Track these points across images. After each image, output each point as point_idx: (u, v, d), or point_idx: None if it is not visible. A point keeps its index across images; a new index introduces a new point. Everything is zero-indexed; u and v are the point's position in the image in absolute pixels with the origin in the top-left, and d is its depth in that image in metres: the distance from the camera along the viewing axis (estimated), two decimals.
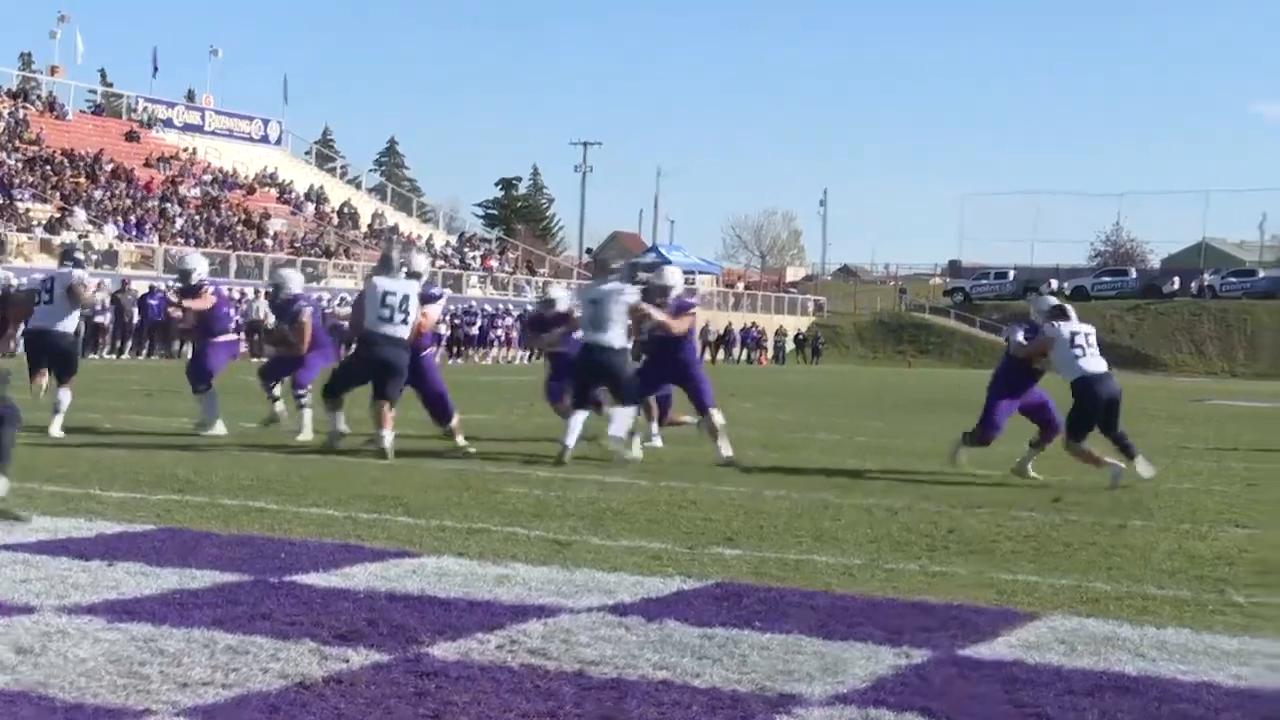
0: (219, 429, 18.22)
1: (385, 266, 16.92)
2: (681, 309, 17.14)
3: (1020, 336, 16.46)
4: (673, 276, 17.86)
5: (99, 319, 47.33)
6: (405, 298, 16.25)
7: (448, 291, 18.44)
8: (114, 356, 47.47)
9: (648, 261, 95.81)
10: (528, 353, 61.01)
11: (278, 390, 19.13)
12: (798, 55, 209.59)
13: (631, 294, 16.69)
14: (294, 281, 19.36)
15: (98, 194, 64.03)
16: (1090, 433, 15.54)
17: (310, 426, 18.05)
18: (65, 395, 17.23)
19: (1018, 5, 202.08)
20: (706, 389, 16.96)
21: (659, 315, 16.68)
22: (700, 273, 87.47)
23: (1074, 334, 15.59)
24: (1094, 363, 15.46)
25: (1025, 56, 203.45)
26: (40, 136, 67.91)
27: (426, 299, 17.10)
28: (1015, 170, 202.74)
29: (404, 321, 16.19)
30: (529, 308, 48.30)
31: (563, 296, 19.13)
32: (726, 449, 16.44)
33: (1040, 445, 16.07)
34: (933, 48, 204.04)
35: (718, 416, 16.75)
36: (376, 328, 16.16)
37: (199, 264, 19.54)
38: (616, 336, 16.40)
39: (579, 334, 17.22)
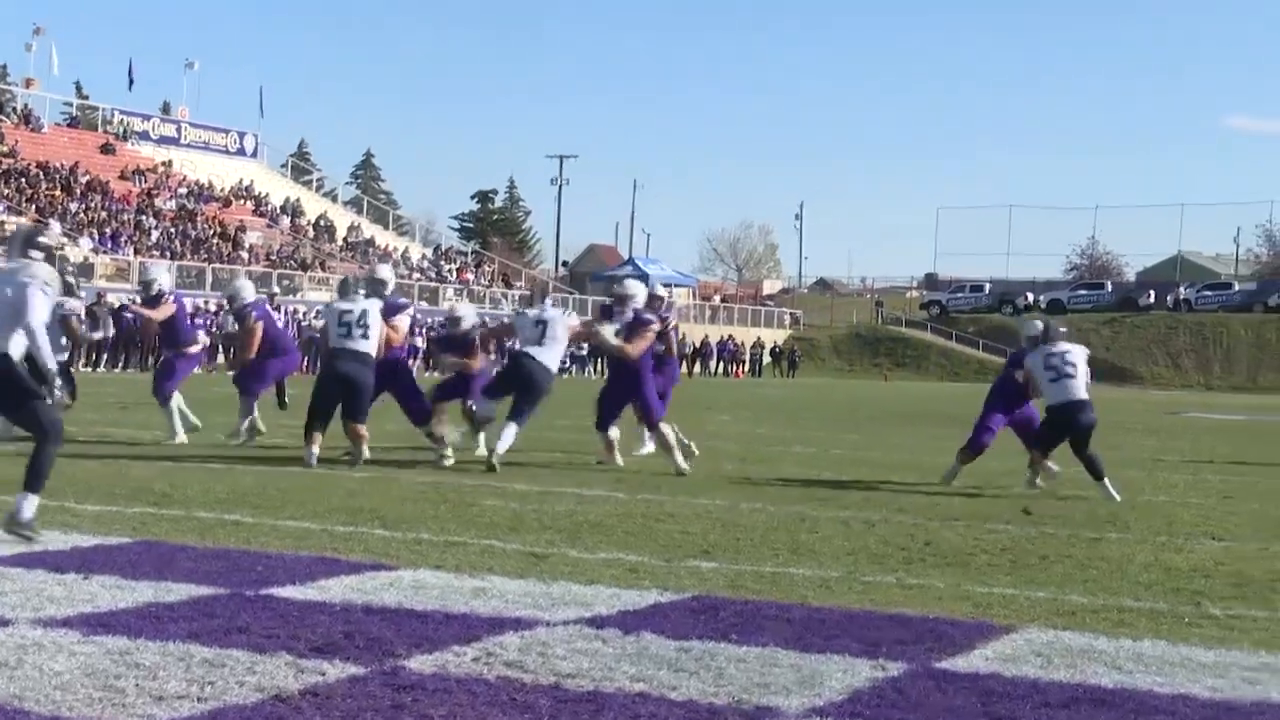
0: (180, 438, 18.57)
1: (342, 289, 17.34)
2: (637, 325, 17.19)
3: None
4: (634, 287, 18.18)
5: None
6: (363, 313, 16.45)
7: (413, 304, 18.55)
8: (89, 369, 47.33)
9: (622, 274, 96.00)
10: (431, 372, 60.82)
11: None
12: (774, 69, 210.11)
13: (575, 318, 17.80)
14: (246, 290, 19.45)
15: (73, 206, 63.87)
16: (1055, 446, 15.66)
17: (242, 429, 18.31)
18: None
19: (993, 20, 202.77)
20: (655, 407, 17.17)
21: (612, 342, 16.96)
22: (677, 285, 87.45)
23: (1050, 356, 15.62)
24: (1072, 389, 15.51)
25: (1000, 70, 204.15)
26: (15, 149, 67.76)
27: (392, 310, 17.21)
28: (991, 184, 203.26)
29: (364, 336, 16.35)
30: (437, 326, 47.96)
31: (468, 314, 19.08)
32: (680, 463, 16.58)
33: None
34: (909, 61, 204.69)
35: (668, 431, 16.95)
36: (336, 344, 16.46)
37: (159, 274, 19.73)
38: (552, 357, 17.03)
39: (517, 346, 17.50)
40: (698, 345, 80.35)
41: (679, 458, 16.78)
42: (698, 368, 78.55)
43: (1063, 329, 16.42)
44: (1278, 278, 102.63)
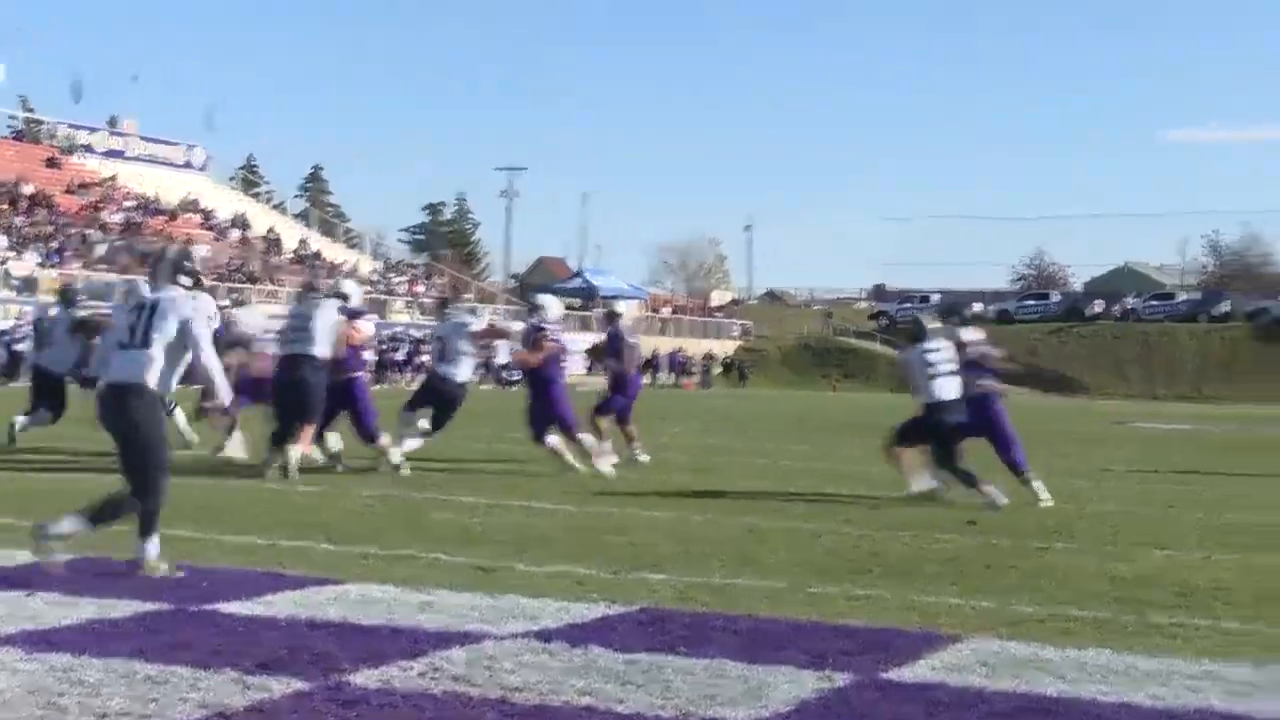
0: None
1: (299, 295, 17.88)
2: (535, 335, 18.06)
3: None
4: (546, 300, 19.20)
5: (17, 345, 46.86)
6: (307, 318, 16.67)
7: (374, 316, 18.89)
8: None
9: (571, 287, 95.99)
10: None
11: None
12: (723, 81, 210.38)
13: (477, 324, 18.64)
14: (245, 317, 19.43)
15: (18, 220, 63.47)
16: (917, 444, 15.91)
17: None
18: None
19: (941, 33, 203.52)
20: (569, 413, 17.98)
21: (513, 343, 18.23)
22: (626, 298, 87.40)
23: (927, 354, 15.76)
24: (944, 388, 15.62)
25: (949, 82, 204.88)
26: None
27: (354, 315, 17.34)
28: (939, 195, 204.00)
29: (307, 338, 16.56)
30: None
31: (355, 293, 18.94)
32: (605, 467, 17.57)
33: (1017, 469, 16.24)
34: (858, 74, 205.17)
35: (588, 439, 17.82)
36: (280, 350, 16.90)
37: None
38: (461, 370, 17.87)
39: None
40: (648, 357, 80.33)
41: (569, 460, 17.66)
42: (648, 379, 78.51)
43: (937, 325, 16.47)
44: (1223, 288, 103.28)
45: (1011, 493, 15.53)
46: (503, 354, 45.54)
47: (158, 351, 9.29)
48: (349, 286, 18.63)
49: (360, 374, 17.79)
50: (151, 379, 9.25)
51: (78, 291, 21.18)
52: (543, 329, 18.15)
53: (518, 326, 18.11)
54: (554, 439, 17.91)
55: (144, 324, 9.31)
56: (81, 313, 20.21)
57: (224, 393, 9.80)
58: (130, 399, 9.25)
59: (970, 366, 15.97)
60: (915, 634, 8.12)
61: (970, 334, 16.64)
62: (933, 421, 15.59)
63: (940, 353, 15.80)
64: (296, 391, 16.45)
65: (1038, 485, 15.86)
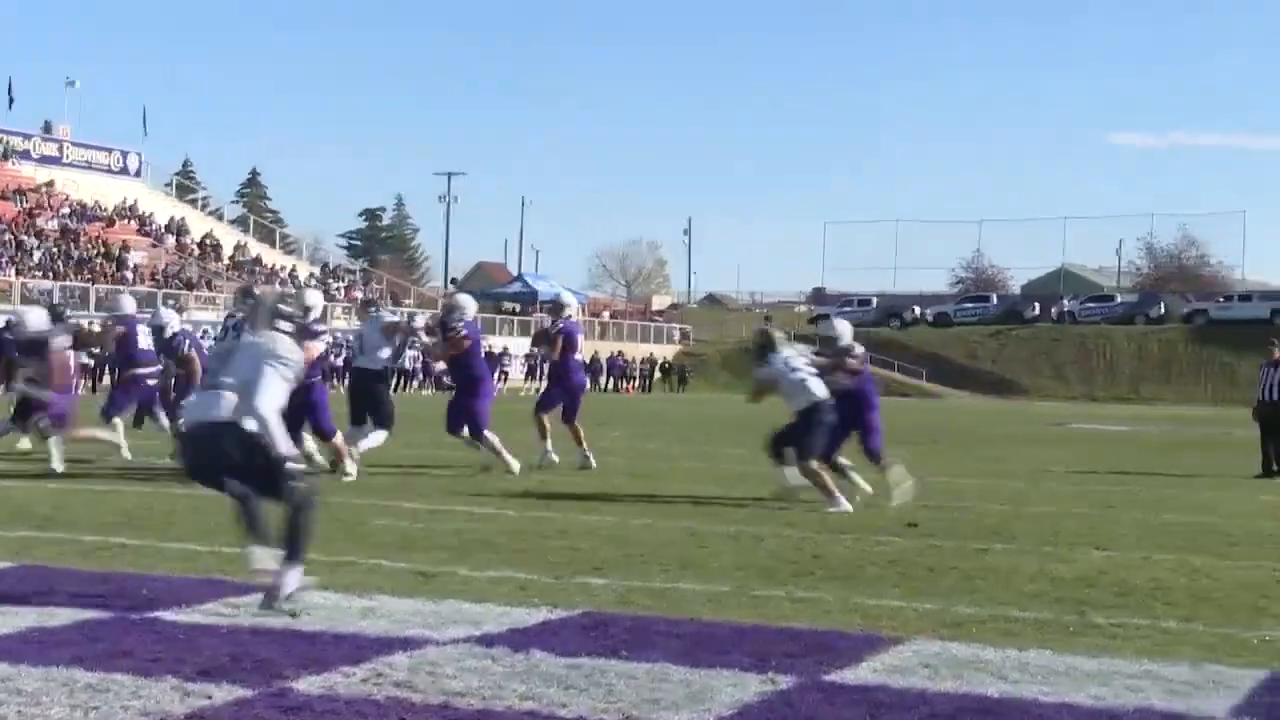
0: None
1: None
2: (446, 333, 18.78)
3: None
4: (463, 300, 19.81)
5: None
6: (235, 325, 17.48)
7: (326, 331, 19.08)
8: None
9: (512, 291, 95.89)
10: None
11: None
12: (660, 84, 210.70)
13: (388, 317, 19.87)
14: (32, 318, 18.92)
15: None
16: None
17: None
18: None
19: (879, 37, 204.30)
20: (480, 415, 18.60)
21: (424, 337, 19.21)
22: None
23: (790, 360, 16.06)
24: (819, 387, 15.84)
25: (887, 85, 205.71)
26: None
27: (310, 334, 17.27)
28: (878, 199, 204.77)
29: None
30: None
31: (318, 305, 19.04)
32: (513, 464, 18.10)
33: (879, 462, 16.45)
34: (795, 77, 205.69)
35: (492, 439, 18.25)
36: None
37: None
38: (375, 360, 18.56)
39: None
40: (587, 361, 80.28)
41: (485, 457, 18.39)
42: (588, 383, 78.29)
43: (782, 334, 17.20)
44: (1159, 290, 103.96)
45: (953, 492, 15.59)
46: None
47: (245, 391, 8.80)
48: (312, 298, 18.47)
49: (317, 379, 17.84)
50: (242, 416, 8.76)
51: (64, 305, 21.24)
52: (452, 327, 18.78)
53: (420, 321, 18.84)
54: (493, 437, 18.40)
55: (233, 366, 8.92)
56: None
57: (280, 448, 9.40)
58: (227, 434, 8.76)
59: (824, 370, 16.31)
60: (858, 636, 8.15)
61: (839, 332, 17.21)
62: (819, 421, 15.63)
63: (799, 358, 16.13)
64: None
65: (897, 471, 16.20)
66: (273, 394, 8.81)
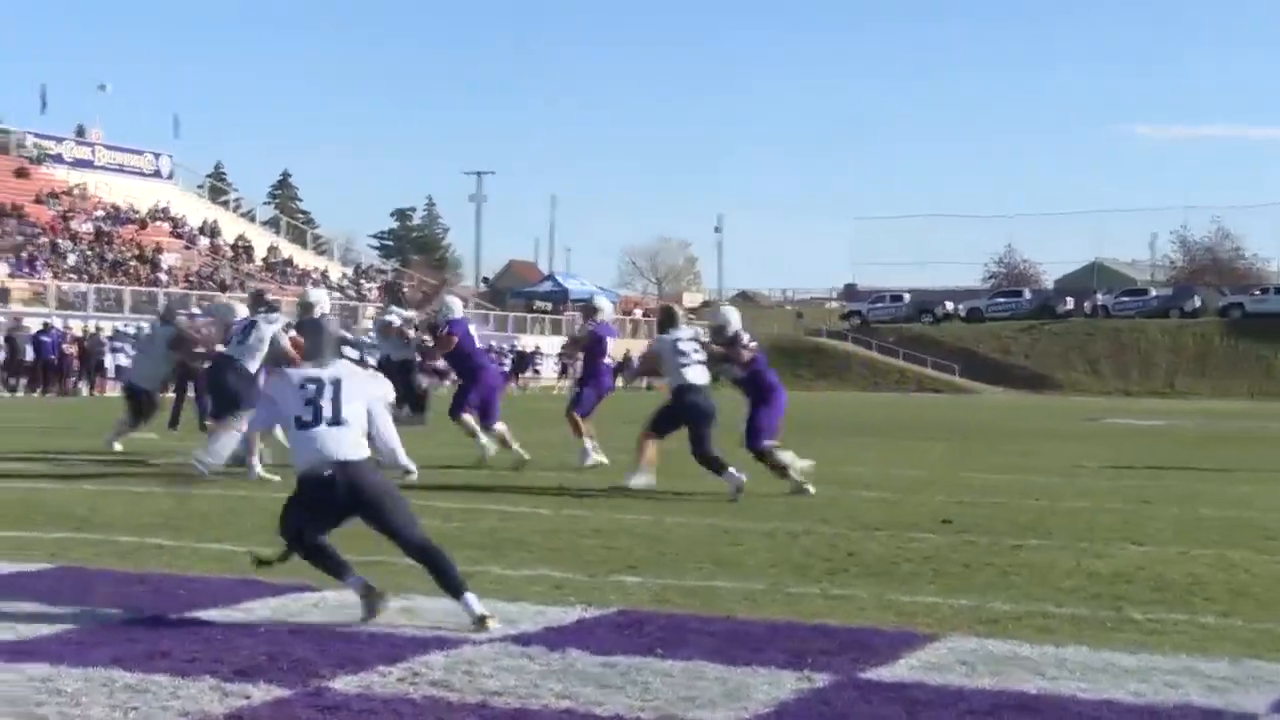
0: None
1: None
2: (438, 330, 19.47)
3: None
4: (450, 300, 20.11)
5: None
6: (245, 327, 17.75)
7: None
8: (9, 394, 46.84)
9: (543, 290, 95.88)
10: None
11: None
12: (689, 81, 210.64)
13: (392, 316, 21.24)
14: (241, 309, 19.36)
15: None
16: (669, 433, 16.79)
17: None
18: None
19: (907, 32, 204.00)
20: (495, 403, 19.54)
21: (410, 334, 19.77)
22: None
23: (678, 342, 16.50)
24: (693, 374, 16.34)
25: (917, 81, 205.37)
26: None
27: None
28: (909, 194, 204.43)
29: (240, 343, 17.57)
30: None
31: (322, 301, 19.31)
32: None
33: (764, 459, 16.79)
34: (825, 72, 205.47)
35: (502, 429, 18.92)
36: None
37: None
38: (405, 351, 19.90)
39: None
40: (620, 360, 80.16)
41: (479, 448, 18.79)
42: (619, 381, 78.27)
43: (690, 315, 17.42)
44: (1193, 283, 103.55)
45: (984, 489, 15.54)
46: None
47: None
48: (314, 295, 19.05)
49: None
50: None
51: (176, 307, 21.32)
52: (440, 326, 19.57)
53: (393, 319, 20.16)
54: (469, 418, 19.27)
55: (331, 402, 8.59)
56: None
57: (403, 460, 9.48)
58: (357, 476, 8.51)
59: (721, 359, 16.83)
60: (893, 633, 8.14)
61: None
62: (684, 404, 16.23)
63: (690, 341, 16.59)
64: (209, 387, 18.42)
65: (788, 457, 16.61)
66: (387, 427, 8.80)
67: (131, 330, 50.61)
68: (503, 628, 8.02)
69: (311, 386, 8.56)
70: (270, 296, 19.19)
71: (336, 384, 8.55)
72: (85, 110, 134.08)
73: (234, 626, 7.98)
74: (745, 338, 16.96)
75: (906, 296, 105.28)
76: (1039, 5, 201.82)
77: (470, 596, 8.21)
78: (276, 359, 16.80)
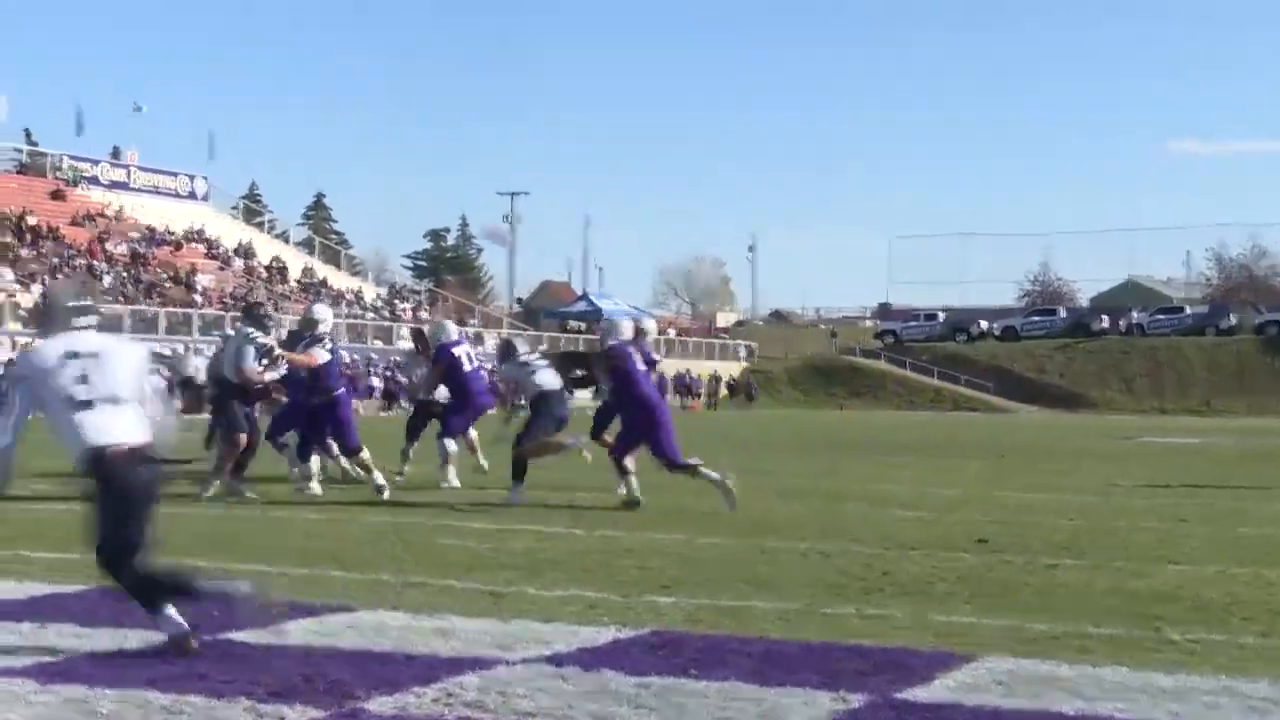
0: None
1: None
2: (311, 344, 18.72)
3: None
4: (320, 312, 19.33)
5: None
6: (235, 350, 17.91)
7: (333, 345, 18.75)
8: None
9: (577, 310, 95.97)
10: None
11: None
12: (724, 100, 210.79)
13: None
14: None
15: (24, 253, 63.57)
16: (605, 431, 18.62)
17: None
18: None
19: (945, 49, 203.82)
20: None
21: (299, 357, 18.34)
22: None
23: (524, 366, 18.25)
24: (549, 379, 18.01)
25: (952, 98, 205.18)
26: None
27: (313, 342, 18.24)
28: (944, 213, 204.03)
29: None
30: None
31: (326, 318, 19.23)
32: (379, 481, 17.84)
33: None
34: (861, 91, 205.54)
35: (364, 454, 18.23)
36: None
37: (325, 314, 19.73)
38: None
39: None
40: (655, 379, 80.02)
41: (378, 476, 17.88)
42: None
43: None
44: (1229, 300, 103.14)
45: (1020, 508, 15.47)
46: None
47: None
48: (320, 312, 19.01)
49: (341, 391, 18.50)
50: None
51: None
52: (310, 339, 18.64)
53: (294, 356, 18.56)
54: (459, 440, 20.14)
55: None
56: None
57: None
58: None
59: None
60: (930, 653, 8.10)
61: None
62: (546, 410, 17.64)
63: (533, 354, 18.97)
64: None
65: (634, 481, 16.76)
66: None
67: (167, 352, 50.73)
68: (538, 648, 8.01)
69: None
70: (263, 311, 19.03)
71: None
72: (121, 132, 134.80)
73: (269, 647, 7.97)
74: (622, 348, 17.07)
75: (941, 315, 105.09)
76: (1074, 22, 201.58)
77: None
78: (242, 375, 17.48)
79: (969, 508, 16.31)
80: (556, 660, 7.71)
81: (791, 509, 16.86)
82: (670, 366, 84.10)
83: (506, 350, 19.25)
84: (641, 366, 17.14)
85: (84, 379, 7.88)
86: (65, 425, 7.88)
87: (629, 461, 16.75)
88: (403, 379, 20.57)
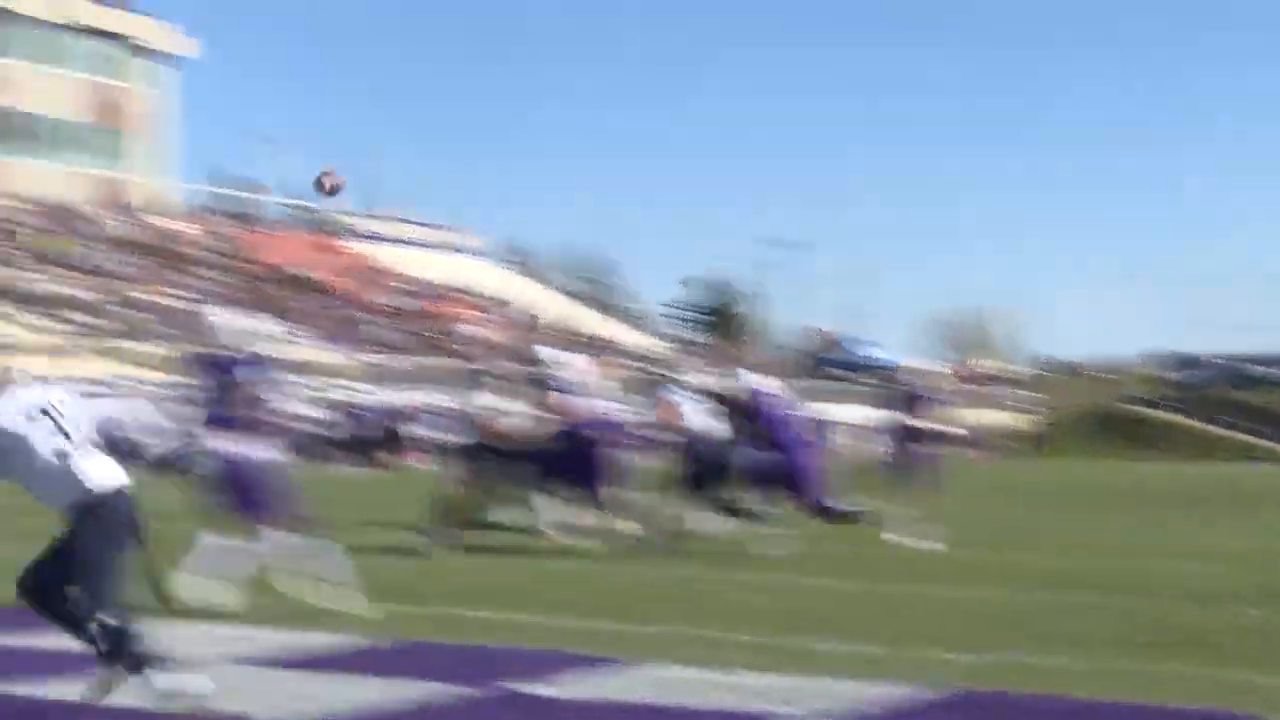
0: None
1: None
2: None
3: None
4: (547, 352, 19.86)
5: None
6: None
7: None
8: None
9: (845, 359, 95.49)
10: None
11: None
12: (990, 147, 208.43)
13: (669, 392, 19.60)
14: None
15: (293, 304, 65.18)
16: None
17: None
18: None
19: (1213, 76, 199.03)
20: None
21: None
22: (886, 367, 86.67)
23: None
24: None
25: (1227, 138, 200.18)
26: (239, 249, 69.45)
27: (559, 388, 17.91)
28: (1225, 256, 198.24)
29: None
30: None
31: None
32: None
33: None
34: (1122, 128, 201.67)
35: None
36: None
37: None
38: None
39: None
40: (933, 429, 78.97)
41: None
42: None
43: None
44: None
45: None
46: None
47: None
48: (544, 354, 19.57)
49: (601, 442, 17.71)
50: None
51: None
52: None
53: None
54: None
55: None
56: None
57: None
58: None
59: None
60: (1228, 714, 7.75)
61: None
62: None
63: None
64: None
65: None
66: None
67: (434, 402, 51.26)
68: (826, 702, 7.83)
69: None
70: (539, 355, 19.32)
71: None
72: (387, 187, 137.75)
73: (554, 701, 7.94)
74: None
75: (1228, 362, 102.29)
76: None
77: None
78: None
79: (1259, 559, 15.62)
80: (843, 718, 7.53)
81: (1089, 562, 16.31)
82: (943, 418, 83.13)
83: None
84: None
85: (59, 430, 7.89)
86: (58, 475, 7.83)
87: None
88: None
